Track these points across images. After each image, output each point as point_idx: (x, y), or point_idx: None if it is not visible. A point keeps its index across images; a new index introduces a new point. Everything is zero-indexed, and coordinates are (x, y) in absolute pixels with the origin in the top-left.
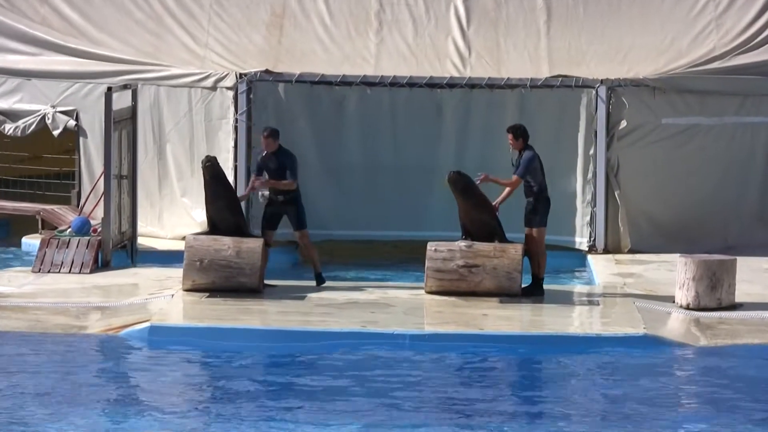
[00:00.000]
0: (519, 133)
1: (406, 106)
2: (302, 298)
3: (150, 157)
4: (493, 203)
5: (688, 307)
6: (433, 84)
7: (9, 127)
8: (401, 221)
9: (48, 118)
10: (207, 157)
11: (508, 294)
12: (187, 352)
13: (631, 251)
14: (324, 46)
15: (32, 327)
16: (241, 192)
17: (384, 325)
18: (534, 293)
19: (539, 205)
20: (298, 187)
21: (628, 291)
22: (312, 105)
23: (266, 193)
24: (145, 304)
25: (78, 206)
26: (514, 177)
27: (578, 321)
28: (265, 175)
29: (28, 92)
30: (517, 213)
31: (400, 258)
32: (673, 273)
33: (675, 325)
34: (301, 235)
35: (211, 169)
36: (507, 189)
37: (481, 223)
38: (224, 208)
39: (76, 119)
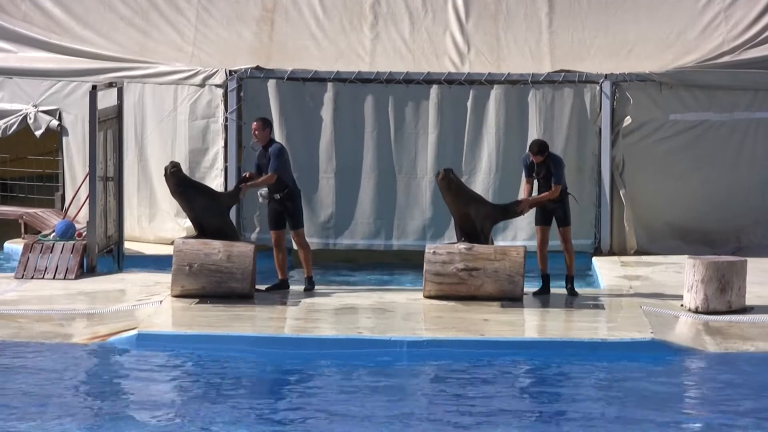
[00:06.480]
0: (543, 149)
1: (403, 104)
2: (296, 303)
3: (131, 158)
4: (523, 201)
5: (696, 311)
6: (430, 80)
7: None
8: (398, 228)
9: (30, 118)
10: (172, 162)
11: (510, 298)
12: (177, 361)
13: (638, 253)
14: (317, 41)
15: (15, 335)
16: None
17: (380, 331)
18: (572, 293)
19: (567, 205)
20: (294, 185)
21: (635, 294)
22: (304, 103)
23: (264, 191)
24: (132, 310)
25: (62, 209)
26: (555, 186)
27: (583, 326)
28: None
29: (9, 91)
30: None
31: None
32: (681, 275)
33: (683, 329)
34: (296, 235)
35: (177, 175)
36: (545, 195)
37: (472, 221)
38: (204, 209)
39: (59, 119)
